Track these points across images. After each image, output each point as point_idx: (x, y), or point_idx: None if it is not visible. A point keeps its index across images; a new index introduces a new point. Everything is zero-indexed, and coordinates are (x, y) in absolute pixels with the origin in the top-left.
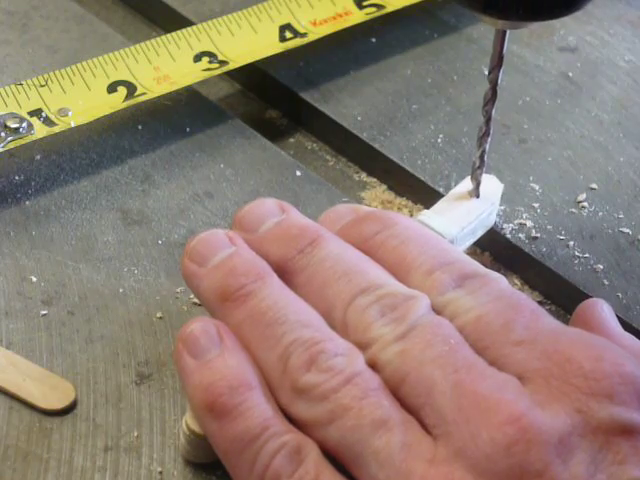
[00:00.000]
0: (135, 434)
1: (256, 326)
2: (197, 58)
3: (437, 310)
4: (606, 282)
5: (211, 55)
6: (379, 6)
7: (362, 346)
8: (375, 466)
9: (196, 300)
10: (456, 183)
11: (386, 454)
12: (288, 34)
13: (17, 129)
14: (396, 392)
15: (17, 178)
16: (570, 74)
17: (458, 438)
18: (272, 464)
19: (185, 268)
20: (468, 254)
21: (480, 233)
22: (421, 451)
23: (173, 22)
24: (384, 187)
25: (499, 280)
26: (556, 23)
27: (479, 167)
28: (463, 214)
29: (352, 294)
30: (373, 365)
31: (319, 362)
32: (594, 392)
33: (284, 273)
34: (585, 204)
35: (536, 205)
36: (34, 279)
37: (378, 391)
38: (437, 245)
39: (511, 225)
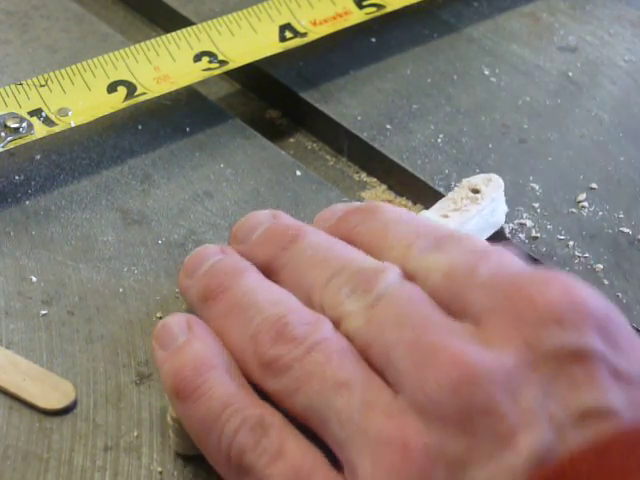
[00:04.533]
0: (135, 434)
1: (231, 314)
2: (197, 58)
3: (411, 275)
4: (606, 282)
5: (211, 55)
6: (379, 6)
7: (336, 322)
8: (337, 426)
9: None
10: (456, 183)
11: (347, 413)
12: (288, 34)
13: (17, 129)
14: (366, 359)
15: (17, 178)
16: (570, 74)
17: (410, 389)
18: (235, 440)
19: (179, 284)
20: None
21: (487, 233)
22: (380, 407)
23: (173, 22)
24: (384, 187)
25: (474, 238)
26: (556, 23)
27: None
28: (462, 212)
29: (327, 277)
30: (347, 338)
31: (284, 334)
32: (543, 321)
33: (271, 273)
34: (585, 204)
35: (536, 205)
36: (34, 279)
37: (342, 354)
38: (420, 222)
39: (511, 225)
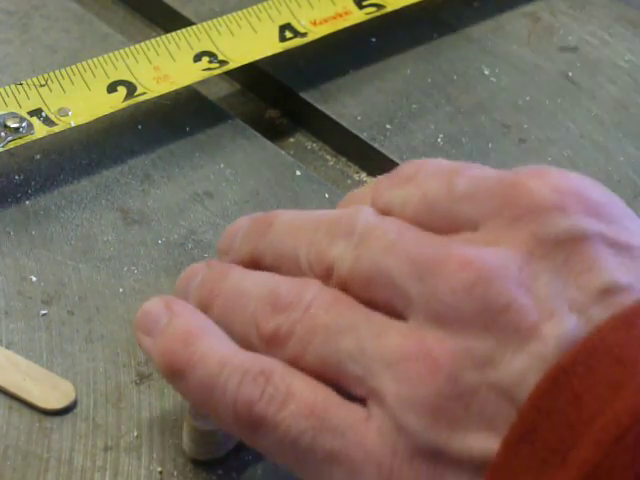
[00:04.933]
0: (135, 434)
1: (229, 311)
2: (197, 58)
3: (387, 211)
4: None
5: (211, 55)
6: (379, 6)
7: (328, 275)
8: (352, 364)
9: None
10: None
11: (359, 349)
12: (288, 34)
13: (17, 129)
14: (366, 297)
15: (17, 178)
16: (570, 74)
17: (423, 303)
18: (239, 395)
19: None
20: None
21: None
22: (393, 332)
23: (173, 22)
24: None
25: (437, 165)
26: (556, 23)
27: None
28: None
29: (307, 240)
30: (342, 285)
31: (278, 305)
32: (545, 209)
33: (258, 263)
34: None
35: None
36: (34, 279)
37: (338, 302)
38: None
39: None
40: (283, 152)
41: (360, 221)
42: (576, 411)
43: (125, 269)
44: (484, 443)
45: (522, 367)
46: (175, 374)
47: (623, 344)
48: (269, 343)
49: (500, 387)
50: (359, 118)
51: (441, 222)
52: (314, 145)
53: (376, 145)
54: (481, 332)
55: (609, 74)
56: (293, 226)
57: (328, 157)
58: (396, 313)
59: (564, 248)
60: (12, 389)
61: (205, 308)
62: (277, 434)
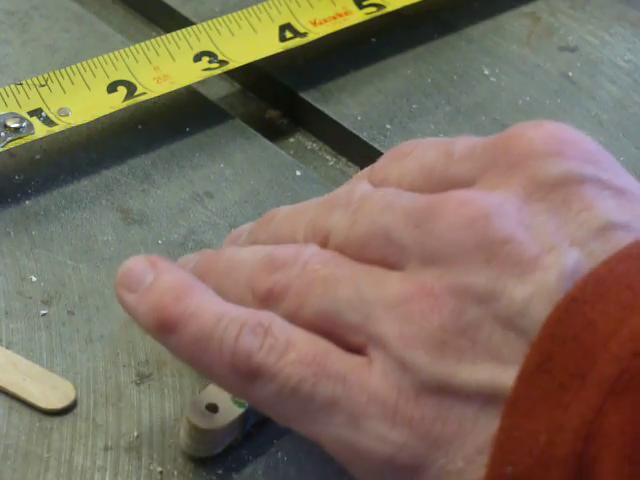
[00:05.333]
0: (135, 434)
1: (223, 279)
2: (197, 58)
3: (384, 184)
4: None
5: (211, 55)
6: (379, 6)
7: (324, 243)
8: (351, 312)
9: None
10: None
11: (358, 298)
12: (288, 34)
13: (17, 129)
14: (364, 258)
15: (17, 178)
16: (570, 74)
17: (418, 249)
18: (237, 346)
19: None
20: None
21: None
22: (390, 281)
23: (173, 22)
24: None
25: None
26: (556, 23)
27: None
28: None
29: (306, 220)
30: (339, 251)
31: (275, 264)
32: (542, 155)
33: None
34: None
35: None
36: (34, 279)
37: (335, 258)
38: None
39: None
40: (283, 152)
41: (357, 192)
42: (591, 335)
43: None
44: (491, 374)
45: (525, 296)
46: (166, 329)
47: (631, 273)
48: (265, 301)
49: (505, 318)
50: (359, 118)
51: (439, 186)
52: (314, 145)
53: (376, 145)
54: (481, 266)
55: (609, 74)
56: (292, 213)
57: (328, 157)
58: (392, 268)
59: (562, 190)
60: (12, 389)
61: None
62: (276, 383)
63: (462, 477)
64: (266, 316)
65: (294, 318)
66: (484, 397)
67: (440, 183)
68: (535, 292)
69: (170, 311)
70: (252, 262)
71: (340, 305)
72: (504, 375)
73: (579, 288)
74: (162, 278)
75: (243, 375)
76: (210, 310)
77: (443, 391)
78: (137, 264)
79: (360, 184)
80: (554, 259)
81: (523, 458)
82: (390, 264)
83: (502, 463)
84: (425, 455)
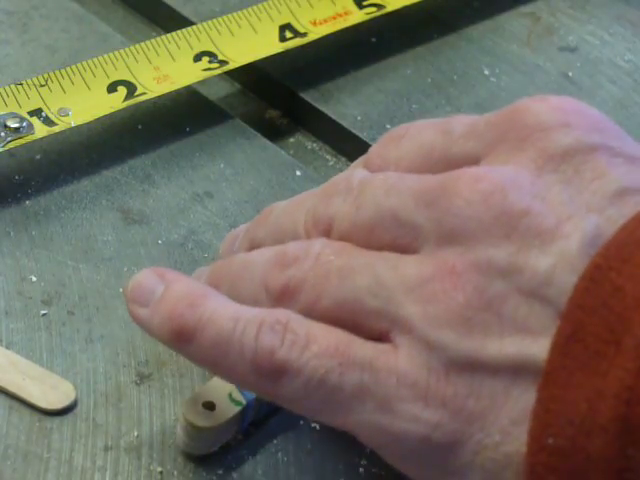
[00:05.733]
0: (135, 434)
1: (236, 282)
2: (197, 58)
3: (382, 169)
4: None
5: (211, 55)
6: (379, 6)
7: (329, 231)
8: (371, 298)
9: None
10: None
11: (377, 284)
12: (288, 34)
13: (17, 129)
14: (373, 243)
15: (17, 178)
16: (570, 74)
17: (434, 228)
18: (259, 345)
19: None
20: None
21: None
22: (408, 264)
23: (173, 22)
24: None
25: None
26: (556, 23)
27: None
28: None
29: (306, 210)
30: (345, 240)
31: (287, 260)
32: (550, 127)
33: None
34: None
35: None
36: (34, 279)
37: (346, 248)
38: None
39: None
40: (283, 152)
41: (356, 178)
42: (621, 301)
43: (125, 269)
44: (519, 346)
45: (548, 266)
46: (184, 337)
47: None
48: (281, 297)
49: (529, 290)
50: (359, 118)
51: (438, 165)
52: (314, 145)
53: None
54: (502, 240)
55: (609, 74)
56: (290, 206)
57: (328, 157)
58: (405, 251)
59: (573, 160)
60: (12, 389)
61: (216, 286)
62: (302, 378)
63: (499, 449)
64: (282, 313)
65: (312, 311)
66: (514, 369)
67: (440, 162)
68: (557, 261)
69: (186, 319)
70: (263, 262)
71: (360, 293)
72: (533, 346)
73: (601, 255)
74: (173, 288)
75: (267, 374)
76: (226, 314)
77: (473, 367)
78: (145, 278)
79: (357, 171)
80: (573, 227)
81: (564, 428)
82: (401, 246)
83: (543, 435)
84: (461, 431)
